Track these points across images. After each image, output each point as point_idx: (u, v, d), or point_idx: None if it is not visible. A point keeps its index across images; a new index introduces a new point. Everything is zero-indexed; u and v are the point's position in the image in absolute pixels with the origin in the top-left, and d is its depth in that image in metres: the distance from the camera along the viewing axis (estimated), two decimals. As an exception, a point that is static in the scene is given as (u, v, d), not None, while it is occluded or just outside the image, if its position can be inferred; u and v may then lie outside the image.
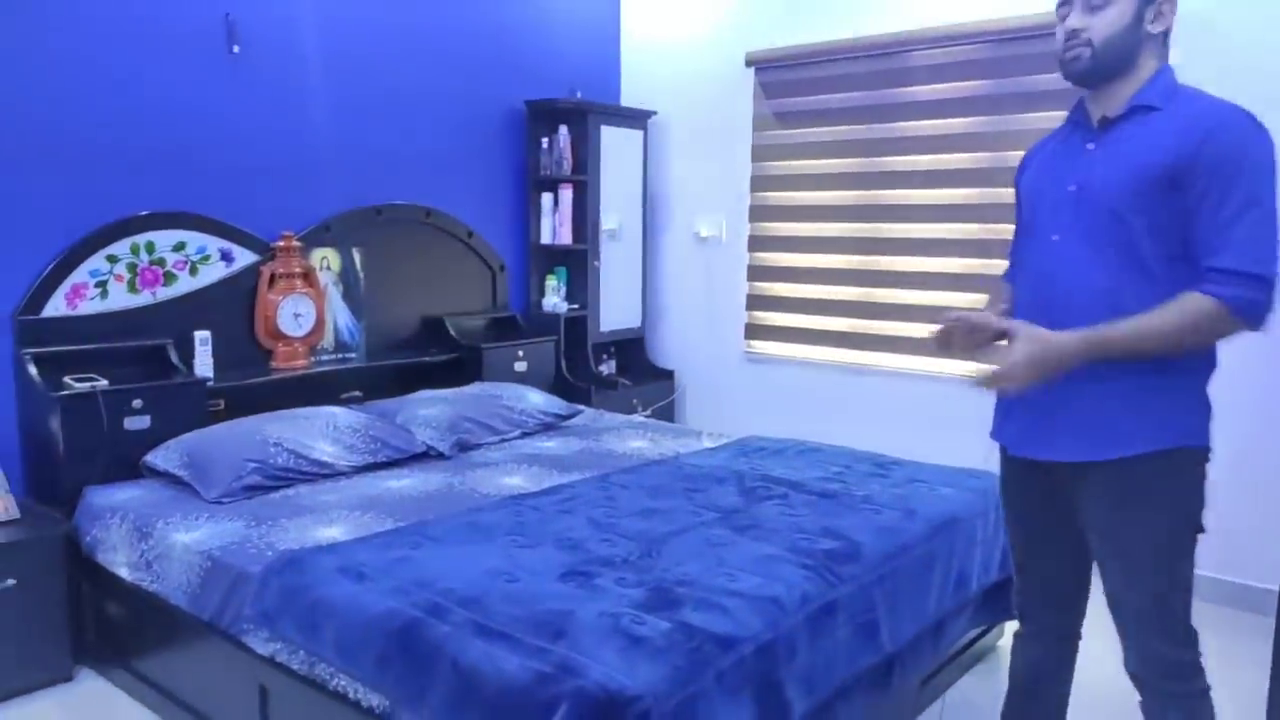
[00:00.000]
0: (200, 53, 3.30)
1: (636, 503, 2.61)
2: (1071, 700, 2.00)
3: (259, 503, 2.68)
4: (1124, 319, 1.58)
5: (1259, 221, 1.54)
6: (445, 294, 4.18)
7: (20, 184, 2.91)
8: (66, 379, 2.89)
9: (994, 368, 1.60)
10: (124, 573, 2.61)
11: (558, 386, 4.26)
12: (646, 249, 4.82)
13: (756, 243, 4.56)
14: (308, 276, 3.57)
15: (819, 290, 4.36)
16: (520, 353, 4.17)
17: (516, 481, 2.93)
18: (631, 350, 4.87)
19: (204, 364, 3.27)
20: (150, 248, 3.19)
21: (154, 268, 3.21)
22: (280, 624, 2.08)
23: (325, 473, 2.92)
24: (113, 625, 2.71)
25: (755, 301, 4.60)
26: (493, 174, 4.40)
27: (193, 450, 2.84)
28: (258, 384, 3.34)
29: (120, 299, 3.14)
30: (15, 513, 2.72)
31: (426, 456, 3.22)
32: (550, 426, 3.67)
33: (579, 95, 4.48)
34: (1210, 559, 3.38)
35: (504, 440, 3.47)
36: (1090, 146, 1.71)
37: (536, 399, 3.72)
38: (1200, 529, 1.68)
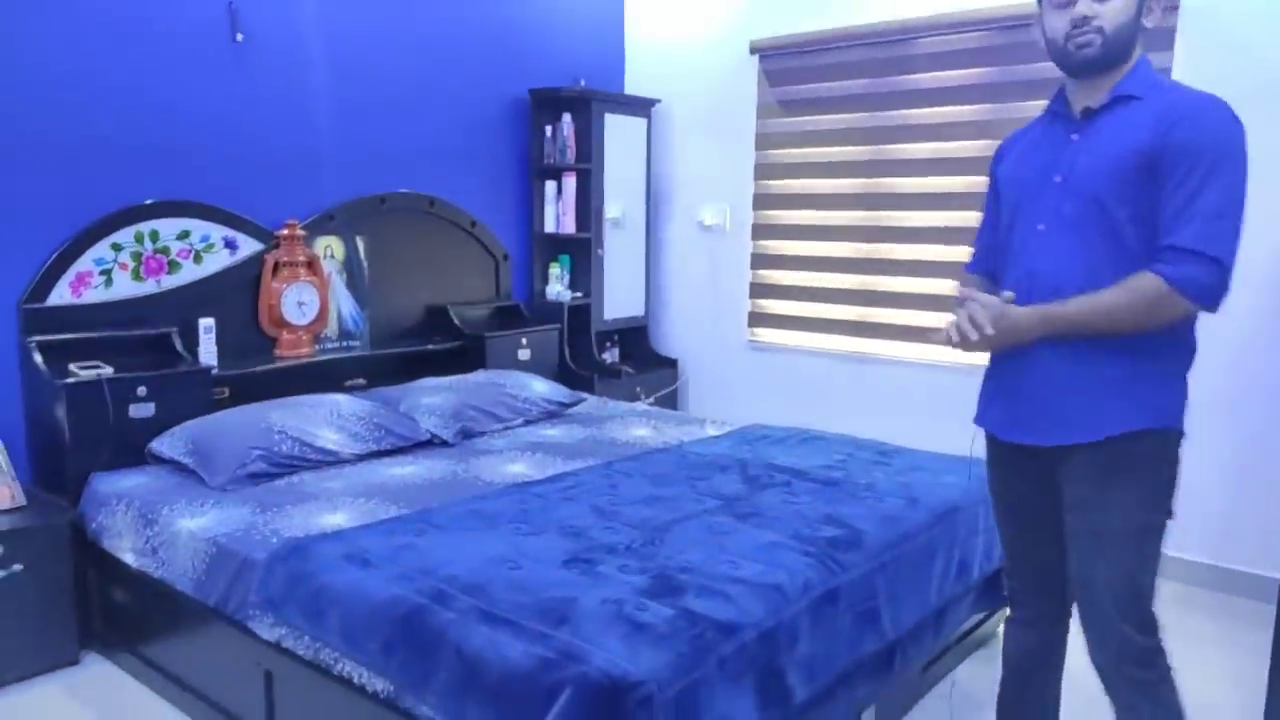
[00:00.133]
0: (204, 42, 3.30)
1: (639, 490, 2.61)
2: (1065, 684, 2.02)
3: (264, 490, 2.69)
4: (1080, 296, 1.62)
5: (1219, 205, 1.55)
6: (449, 282, 4.19)
7: (25, 173, 2.92)
8: (72, 367, 2.90)
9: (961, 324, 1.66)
10: (129, 559, 2.62)
11: (561, 375, 4.26)
12: (650, 237, 4.82)
13: (760, 231, 4.56)
14: (312, 265, 3.58)
15: (823, 278, 4.36)
16: (524, 341, 4.17)
17: (520, 469, 2.94)
18: (635, 338, 4.87)
19: (208, 352, 3.28)
20: (154, 236, 3.20)
21: (158, 256, 3.22)
22: (285, 610, 2.09)
23: (329, 460, 2.93)
24: (119, 610, 2.73)
25: (759, 290, 4.60)
26: (496, 162, 4.39)
27: (197, 437, 2.85)
28: (262, 372, 3.35)
29: (125, 287, 3.15)
30: (22, 499, 2.74)
31: (430, 444, 3.23)
32: (554, 414, 3.68)
33: (583, 83, 4.47)
34: (1211, 545, 3.40)
35: (507, 428, 3.48)
36: (1074, 137, 1.73)
37: (540, 387, 3.73)
38: (1170, 514, 1.71)
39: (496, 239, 4.38)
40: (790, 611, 1.92)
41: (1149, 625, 1.70)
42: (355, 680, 1.96)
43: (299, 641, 2.10)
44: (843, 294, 4.30)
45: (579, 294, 4.52)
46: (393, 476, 2.84)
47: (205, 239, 3.33)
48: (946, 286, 3.92)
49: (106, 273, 3.10)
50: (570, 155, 4.38)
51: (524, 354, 4.16)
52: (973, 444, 1.94)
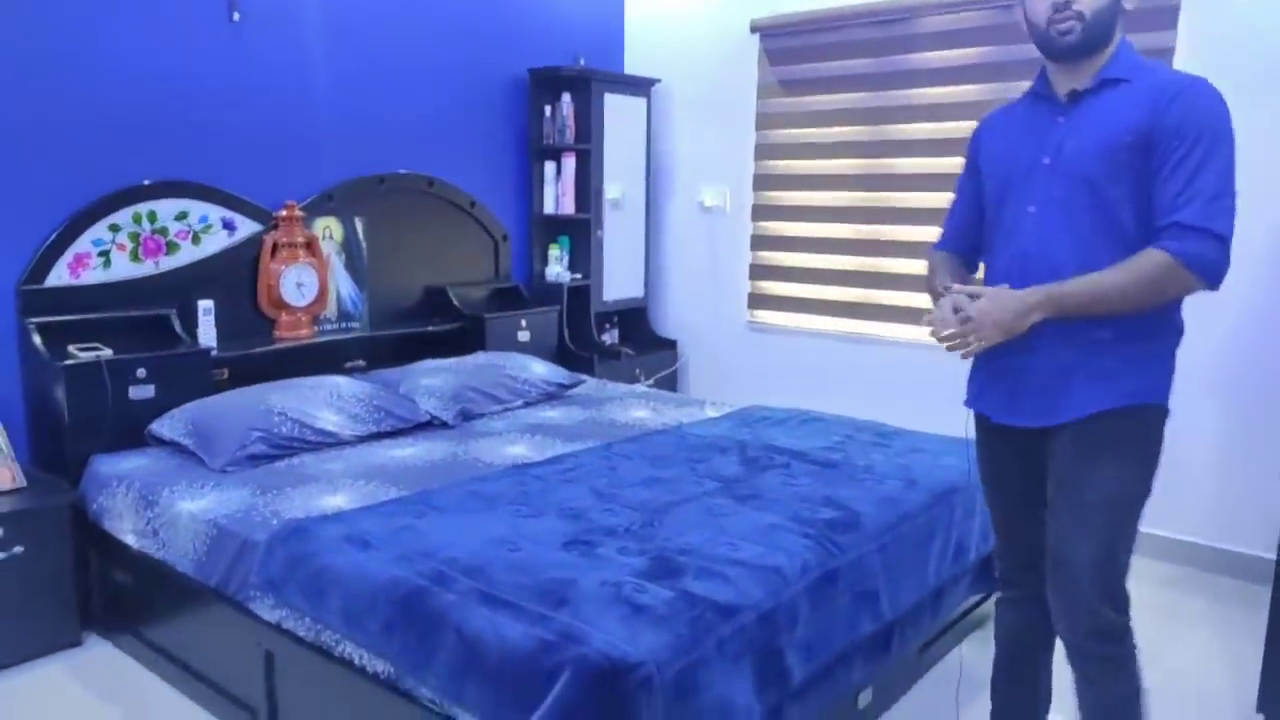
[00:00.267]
0: (201, 21, 3.27)
1: (639, 472, 2.62)
2: (1056, 661, 2.03)
3: (264, 471, 2.70)
4: (1084, 276, 1.63)
5: (1217, 183, 1.58)
6: (448, 263, 4.18)
7: (22, 154, 2.90)
8: (71, 348, 2.89)
9: (962, 325, 1.68)
10: (130, 540, 2.63)
11: (560, 356, 4.26)
12: (650, 218, 4.80)
13: (760, 212, 4.54)
14: (310, 246, 3.57)
15: (823, 260, 4.35)
16: (523, 322, 4.17)
17: (519, 451, 2.95)
18: (634, 320, 4.87)
19: (207, 334, 3.28)
20: (152, 217, 3.19)
21: (156, 237, 3.21)
22: (286, 591, 2.10)
23: (329, 442, 2.94)
24: (119, 592, 2.74)
25: (758, 271, 4.59)
26: (495, 143, 4.37)
27: (197, 419, 2.85)
28: (261, 353, 3.35)
29: (123, 268, 3.14)
30: (22, 481, 2.75)
31: (430, 426, 3.23)
32: (553, 396, 3.68)
33: (582, 63, 4.44)
34: (1205, 526, 3.41)
35: (507, 410, 3.48)
36: (1061, 120, 1.74)
37: (539, 369, 3.73)
38: (1149, 491, 1.74)
39: (496, 219, 4.36)
40: (789, 593, 1.93)
41: (1121, 602, 1.74)
42: (356, 661, 1.97)
43: (299, 623, 2.11)
44: (843, 275, 4.29)
45: (578, 275, 4.51)
46: (392, 458, 2.84)
47: (203, 220, 3.32)
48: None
49: (105, 254, 3.09)
50: (570, 135, 4.36)
51: (523, 335, 4.16)
52: (966, 427, 1.95)
